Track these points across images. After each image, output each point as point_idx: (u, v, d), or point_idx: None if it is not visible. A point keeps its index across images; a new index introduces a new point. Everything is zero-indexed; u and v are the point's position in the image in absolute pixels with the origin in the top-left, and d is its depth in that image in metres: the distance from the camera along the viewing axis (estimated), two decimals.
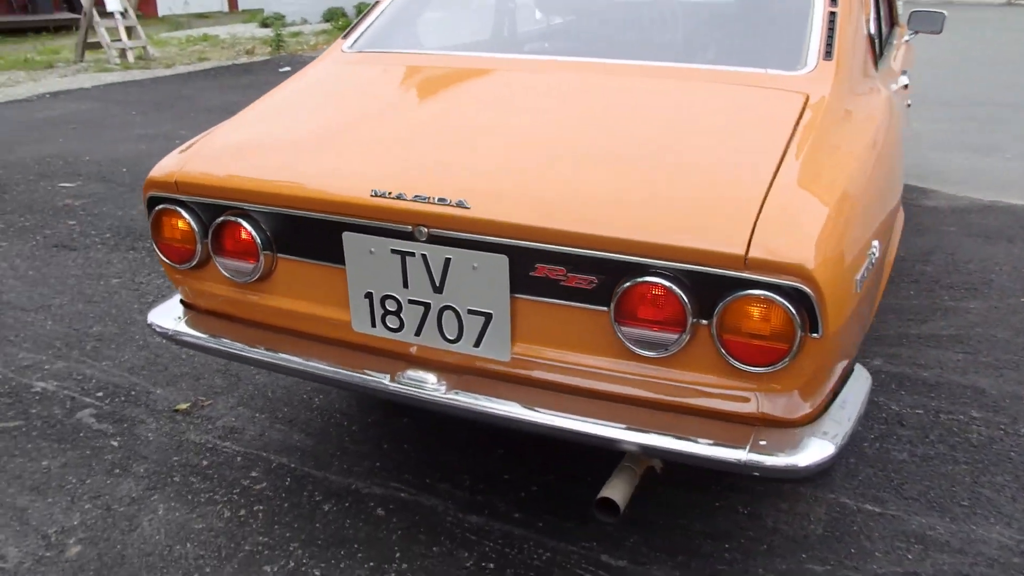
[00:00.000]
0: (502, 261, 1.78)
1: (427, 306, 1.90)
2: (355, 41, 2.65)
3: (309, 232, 1.98)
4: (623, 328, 1.72)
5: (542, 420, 1.84)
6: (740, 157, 1.82)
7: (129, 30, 11.04)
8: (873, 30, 2.48)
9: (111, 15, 10.94)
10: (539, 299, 1.80)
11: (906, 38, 3.95)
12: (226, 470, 2.63)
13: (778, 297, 1.59)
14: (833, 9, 2.25)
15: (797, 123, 1.91)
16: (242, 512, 2.44)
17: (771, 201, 1.67)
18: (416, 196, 1.82)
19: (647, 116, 2.06)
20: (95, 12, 10.79)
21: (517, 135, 2.04)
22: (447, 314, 1.89)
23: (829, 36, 2.18)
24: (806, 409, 1.76)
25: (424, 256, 1.85)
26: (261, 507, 2.46)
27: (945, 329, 3.48)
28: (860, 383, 1.92)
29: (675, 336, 1.68)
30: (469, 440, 2.74)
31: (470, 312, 1.86)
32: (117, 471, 2.63)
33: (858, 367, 1.98)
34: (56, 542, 2.33)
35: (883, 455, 2.67)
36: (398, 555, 2.27)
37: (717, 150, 1.87)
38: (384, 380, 1.97)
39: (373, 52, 2.58)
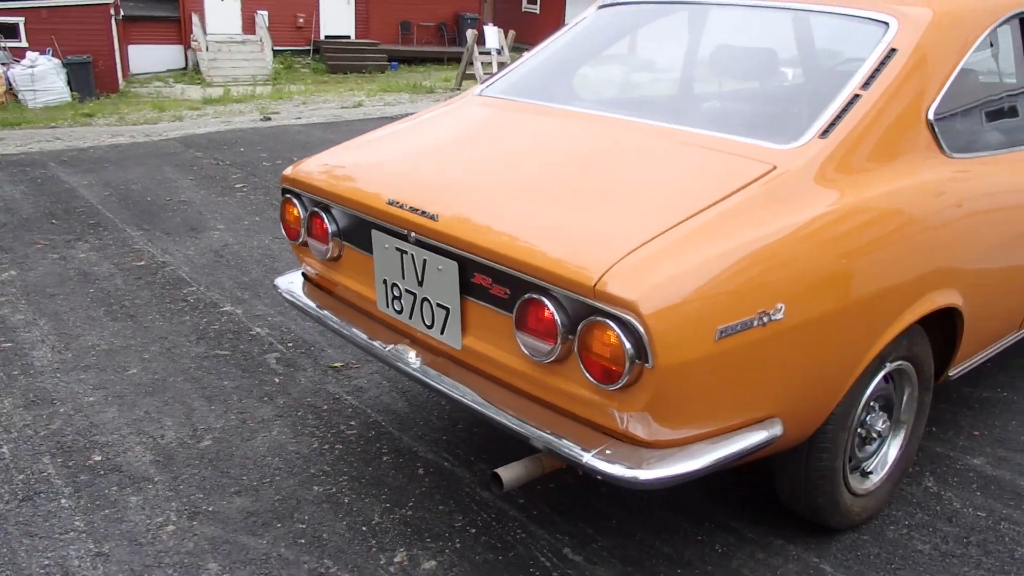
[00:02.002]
0: (454, 266, 2.23)
1: (415, 295, 2.39)
2: (486, 88, 3.19)
3: (356, 227, 2.57)
4: (519, 333, 2.09)
5: (466, 400, 2.25)
6: (657, 209, 2.09)
7: (501, 65, 12.48)
8: (937, 114, 2.49)
9: (489, 52, 12.46)
10: (479, 302, 2.22)
11: None
12: (335, 416, 3.29)
13: (614, 325, 1.87)
14: (860, 92, 2.36)
15: (740, 189, 2.12)
16: (325, 447, 3.08)
17: (646, 247, 1.94)
18: (411, 207, 2.33)
19: (613, 168, 2.38)
20: (476, 48, 12.36)
21: (510, 167, 2.49)
22: (425, 304, 2.37)
23: (838, 116, 2.31)
24: (666, 436, 1.99)
25: (412, 256, 2.35)
26: (340, 447, 3.08)
27: None
28: (752, 436, 2.07)
29: (549, 346, 2.02)
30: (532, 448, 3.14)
31: (438, 305, 2.33)
32: (265, 399, 3.40)
33: (771, 423, 2.12)
34: (198, 435, 3.13)
35: (903, 541, 2.64)
36: (411, 503, 2.77)
37: (647, 201, 2.16)
38: (384, 349, 2.49)
39: (492, 97, 3.10)
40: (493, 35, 12.87)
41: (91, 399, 3.35)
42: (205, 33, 25.82)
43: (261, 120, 10.65)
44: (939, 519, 2.75)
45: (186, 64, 26.67)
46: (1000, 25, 2.81)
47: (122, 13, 21.75)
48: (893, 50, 2.45)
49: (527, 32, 29.56)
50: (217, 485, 2.84)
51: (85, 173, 7.20)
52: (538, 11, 33.97)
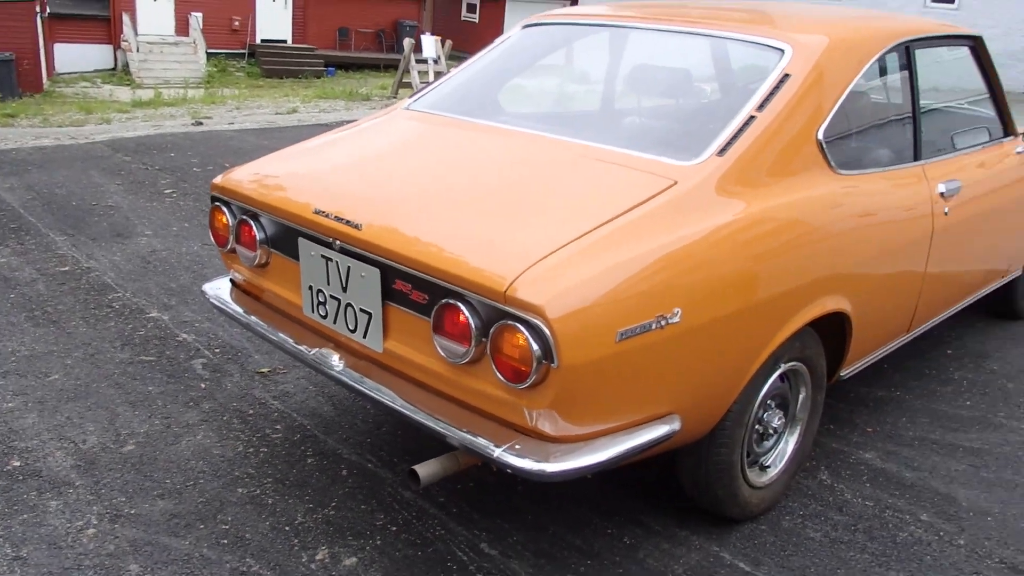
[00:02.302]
0: (376, 273, 2.35)
1: (339, 301, 2.50)
2: (414, 102, 3.32)
3: (283, 235, 2.67)
4: (435, 336, 2.21)
5: (386, 401, 2.37)
6: (565, 221, 2.24)
7: (437, 74, 12.59)
8: (827, 134, 2.69)
9: (426, 61, 12.58)
10: (399, 307, 2.34)
11: (1019, 149, 3.90)
12: (261, 420, 3.37)
13: (523, 328, 2.01)
14: (755, 114, 2.55)
15: (642, 203, 2.28)
16: (251, 450, 3.16)
17: (553, 257, 2.08)
18: (336, 216, 2.44)
19: (527, 182, 2.54)
20: (413, 56, 12.46)
21: (432, 179, 2.64)
22: (349, 309, 2.48)
23: (734, 136, 2.50)
24: (572, 431, 2.13)
25: (337, 263, 2.46)
26: (265, 450, 3.16)
27: (972, 442, 3.43)
28: (652, 431, 2.23)
29: (464, 348, 2.15)
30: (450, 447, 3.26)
31: (361, 310, 2.44)
32: (191, 404, 3.46)
33: (671, 419, 2.29)
34: (121, 439, 3.18)
35: (797, 530, 2.83)
36: (334, 503, 2.87)
37: (557, 213, 2.31)
38: (310, 353, 2.59)
39: (419, 112, 3.22)
40: (430, 44, 13.01)
41: (10, 405, 3.37)
42: (136, 33, 25.41)
43: (193, 124, 10.58)
44: (831, 509, 2.95)
45: (115, 64, 26.20)
46: (887, 53, 3.03)
47: (48, 10, 21.29)
48: (787, 75, 2.64)
49: (466, 41, 29.69)
50: (140, 488, 2.90)
51: (7, 176, 7.10)
52: (477, 20, 34.18)
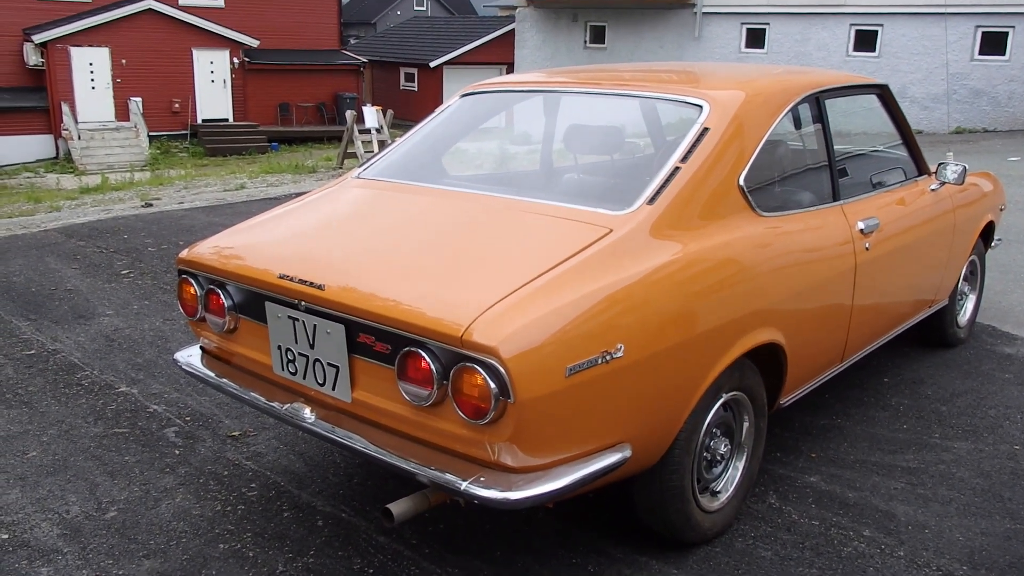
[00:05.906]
0: (341, 329, 2.54)
1: (308, 357, 2.68)
2: (363, 171, 3.55)
3: (250, 300, 2.85)
4: (400, 383, 2.40)
5: (358, 447, 2.54)
6: (511, 271, 2.46)
7: (381, 144, 12.90)
8: (747, 180, 2.96)
9: (368, 131, 12.88)
10: (364, 358, 2.53)
11: (933, 187, 4.21)
12: (236, 480, 3.50)
13: (480, 368, 2.22)
14: (680, 165, 2.82)
15: (581, 250, 2.52)
16: (228, 508, 3.28)
17: (503, 303, 2.30)
18: (300, 279, 2.63)
19: (474, 237, 2.78)
20: (356, 127, 12.76)
21: (386, 240, 2.85)
22: (317, 364, 2.66)
23: (662, 186, 2.76)
24: (531, 462, 2.33)
25: (304, 322, 2.65)
26: (243, 507, 3.30)
27: (909, 462, 3.67)
28: (605, 459, 2.43)
29: (427, 392, 2.34)
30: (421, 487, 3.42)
31: (329, 364, 2.63)
32: (167, 470, 3.58)
33: (622, 447, 2.49)
34: (103, 507, 3.29)
35: (749, 550, 3.03)
36: (312, 552, 3.01)
37: (504, 264, 2.54)
38: (282, 409, 2.76)
39: (368, 179, 3.45)
40: (372, 115, 13.36)
41: None
42: (76, 122, 25.55)
43: (143, 207, 10.69)
44: (780, 530, 3.15)
45: (57, 153, 26.26)
46: (799, 104, 3.34)
47: None
48: (706, 129, 2.92)
49: (406, 109, 30.23)
50: (126, 551, 3.01)
51: None
52: (416, 89, 34.82)
